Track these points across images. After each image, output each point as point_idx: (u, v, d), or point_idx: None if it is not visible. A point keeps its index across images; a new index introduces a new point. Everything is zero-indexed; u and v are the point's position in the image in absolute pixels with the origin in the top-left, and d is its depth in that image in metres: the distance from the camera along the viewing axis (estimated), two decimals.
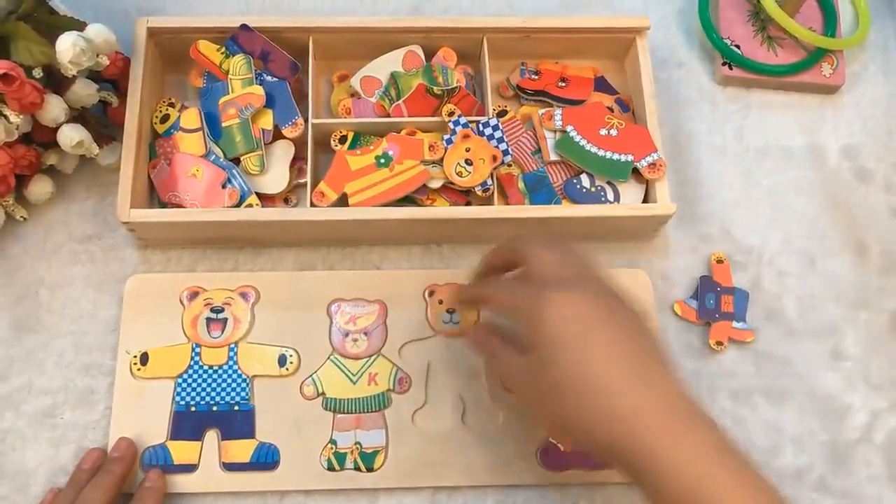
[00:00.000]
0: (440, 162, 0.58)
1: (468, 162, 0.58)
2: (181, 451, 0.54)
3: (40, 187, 0.59)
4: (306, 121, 0.60)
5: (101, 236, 0.60)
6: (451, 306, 0.58)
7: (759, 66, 0.66)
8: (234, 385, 0.56)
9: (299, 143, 0.60)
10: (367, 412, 0.56)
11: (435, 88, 0.60)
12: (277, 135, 0.60)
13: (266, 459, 0.54)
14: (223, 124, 0.59)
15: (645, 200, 0.60)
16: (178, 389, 0.55)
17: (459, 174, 0.58)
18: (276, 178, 0.59)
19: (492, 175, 0.59)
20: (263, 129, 0.59)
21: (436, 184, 0.59)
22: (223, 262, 0.60)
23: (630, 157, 0.59)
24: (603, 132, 0.60)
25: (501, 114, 0.63)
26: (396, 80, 0.62)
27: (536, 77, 0.64)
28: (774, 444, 0.57)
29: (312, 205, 0.57)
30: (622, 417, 0.41)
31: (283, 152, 0.60)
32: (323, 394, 0.56)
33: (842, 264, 0.62)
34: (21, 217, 0.59)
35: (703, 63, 0.69)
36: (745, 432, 0.57)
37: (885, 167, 0.66)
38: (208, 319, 0.57)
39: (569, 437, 0.43)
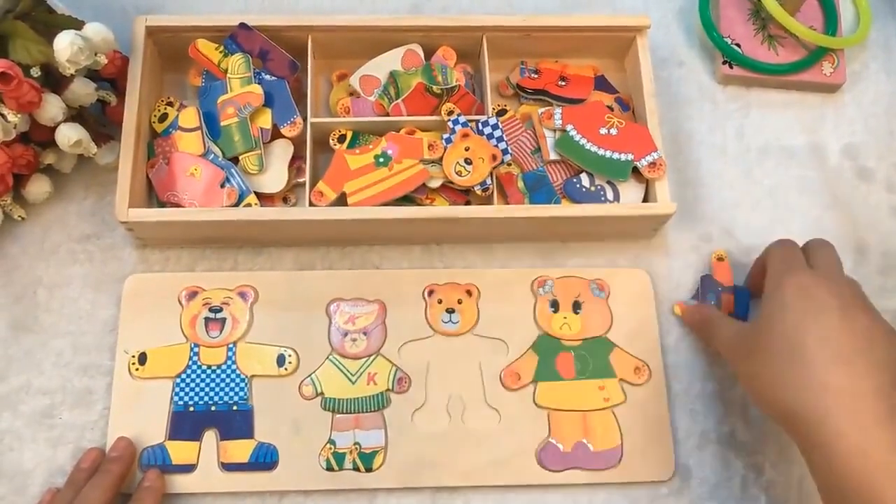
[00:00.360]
0: (439, 161, 0.58)
1: (467, 161, 0.58)
2: (180, 451, 0.54)
3: (38, 187, 0.59)
4: (305, 120, 0.59)
5: (99, 236, 0.60)
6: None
7: (759, 65, 0.66)
8: (232, 385, 0.56)
9: (298, 143, 0.60)
10: (367, 412, 0.56)
11: (434, 87, 0.60)
12: (276, 134, 0.60)
13: (265, 459, 0.54)
14: (222, 123, 0.59)
15: (645, 200, 0.60)
16: (177, 389, 0.55)
17: (459, 173, 0.58)
18: (274, 178, 0.59)
19: (491, 174, 0.58)
20: (262, 128, 0.59)
21: (435, 183, 0.59)
22: (222, 262, 0.60)
23: (630, 157, 0.59)
24: (603, 131, 0.60)
25: (501, 113, 0.62)
26: (396, 78, 0.61)
27: (536, 76, 0.64)
28: (779, 443, 0.57)
29: (311, 204, 0.57)
30: (815, 390, 0.44)
31: (281, 151, 0.60)
32: (322, 394, 0.56)
33: (842, 264, 0.62)
34: (19, 217, 0.59)
35: (704, 62, 0.68)
36: (749, 432, 0.57)
37: (887, 166, 0.66)
38: (207, 319, 0.57)
39: (755, 396, 0.50)
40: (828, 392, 0.44)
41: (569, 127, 0.60)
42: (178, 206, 0.57)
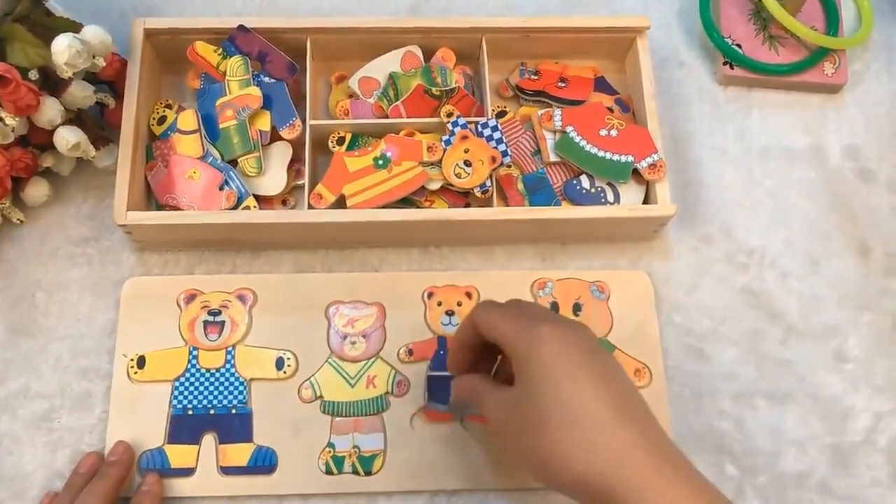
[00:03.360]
0: (439, 163, 0.58)
1: (467, 163, 0.58)
2: (178, 454, 0.54)
3: (37, 190, 0.59)
4: (304, 122, 0.59)
5: (97, 239, 0.60)
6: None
7: (760, 66, 0.66)
8: (231, 388, 0.55)
9: (297, 145, 0.60)
10: (366, 415, 0.55)
11: (433, 89, 0.60)
12: (275, 136, 0.59)
13: (264, 463, 0.54)
14: (220, 126, 0.59)
15: (645, 201, 0.60)
16: (176, 393, 0.55)
17: (458, 175, 0.58)
18: (273, 180, 0.59)
19: (491, 176, 0.58)
20: (261, 131, 0.59)
21: (434, 185, 0.59)
22: (220, 265, 0.60)
23: (630, 158, 0.59)
24: (603, 133, 0.60)
25: (500, 114, 0.62)
26: (395, 80, 0.61)
27: (536, 77, 0.64)
28: (776, 446, 0.57)
29: (310, 206, 0.57)
30: (607, 452, 0.41)
31: (280, 154, 0.60)
32: (321, 397, 0.56)
33: (845, 265, 0.62)
34: (18, 220, 0.59)
35: (705, 63, 0.68)
36: (747, 435, 0.57)
37: (888, 167, 0.65)
38: (206, 322, 0.57)
39: (540, 473, 0.43)
40: (619, 453, 0.41)
41: (569, 128, 0.60)
42: (176, 208, 0.57)
